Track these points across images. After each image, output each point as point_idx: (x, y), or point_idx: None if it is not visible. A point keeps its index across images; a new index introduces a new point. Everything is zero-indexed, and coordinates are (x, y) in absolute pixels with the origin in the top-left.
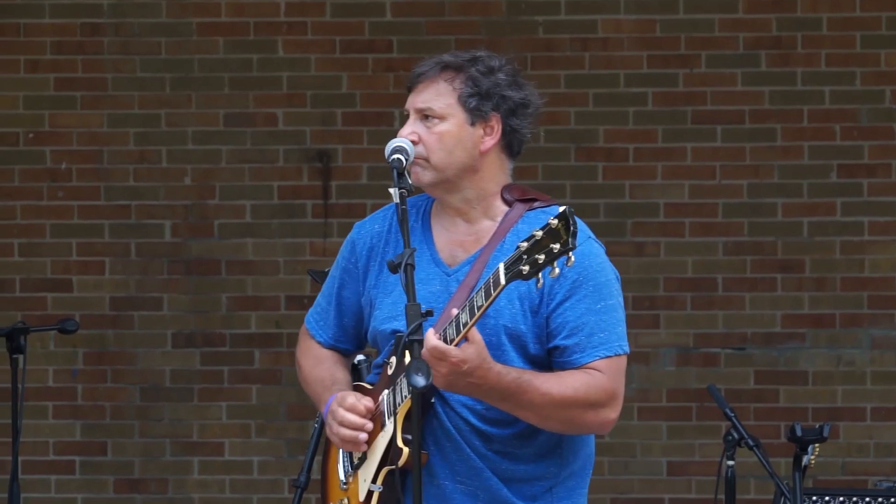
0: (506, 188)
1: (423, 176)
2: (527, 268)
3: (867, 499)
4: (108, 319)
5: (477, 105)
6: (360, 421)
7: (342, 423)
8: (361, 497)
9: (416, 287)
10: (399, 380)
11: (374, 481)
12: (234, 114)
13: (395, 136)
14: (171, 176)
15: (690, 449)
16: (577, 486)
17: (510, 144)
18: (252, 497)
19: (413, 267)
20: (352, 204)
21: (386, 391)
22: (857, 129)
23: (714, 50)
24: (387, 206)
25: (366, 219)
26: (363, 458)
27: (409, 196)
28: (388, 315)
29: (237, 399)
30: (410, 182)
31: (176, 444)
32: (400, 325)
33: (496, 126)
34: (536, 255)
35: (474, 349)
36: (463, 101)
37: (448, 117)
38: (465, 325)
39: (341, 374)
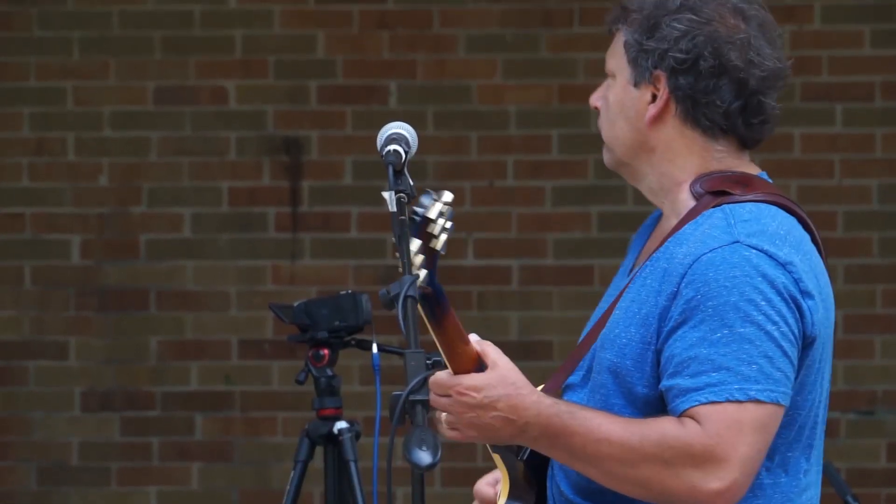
0: (700, 178)
1: (604, 157)
2: None
3: None
4: None
5: (635, 57)
6: None
7: None
8: None
9: (602, 302)
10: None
11: None
12: (167, 88)
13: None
14: (81, 173)
15: None
16: None
17: (693, 115)
18: None
19: (416, 300)
20: (330, 213)
21: None
22: None
23: None
24: None
25: None
26: None
27: (408, 203)
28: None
29: (172, 483)
30: (412, 183)
31: None
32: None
33: (662, 88)
34: None
35: (496, 372)
36: (627, 51)
37: (617, 76)
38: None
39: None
